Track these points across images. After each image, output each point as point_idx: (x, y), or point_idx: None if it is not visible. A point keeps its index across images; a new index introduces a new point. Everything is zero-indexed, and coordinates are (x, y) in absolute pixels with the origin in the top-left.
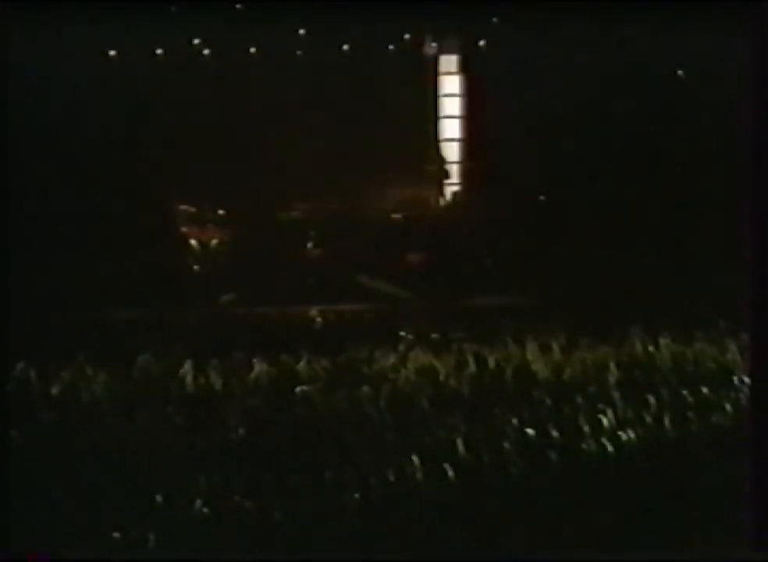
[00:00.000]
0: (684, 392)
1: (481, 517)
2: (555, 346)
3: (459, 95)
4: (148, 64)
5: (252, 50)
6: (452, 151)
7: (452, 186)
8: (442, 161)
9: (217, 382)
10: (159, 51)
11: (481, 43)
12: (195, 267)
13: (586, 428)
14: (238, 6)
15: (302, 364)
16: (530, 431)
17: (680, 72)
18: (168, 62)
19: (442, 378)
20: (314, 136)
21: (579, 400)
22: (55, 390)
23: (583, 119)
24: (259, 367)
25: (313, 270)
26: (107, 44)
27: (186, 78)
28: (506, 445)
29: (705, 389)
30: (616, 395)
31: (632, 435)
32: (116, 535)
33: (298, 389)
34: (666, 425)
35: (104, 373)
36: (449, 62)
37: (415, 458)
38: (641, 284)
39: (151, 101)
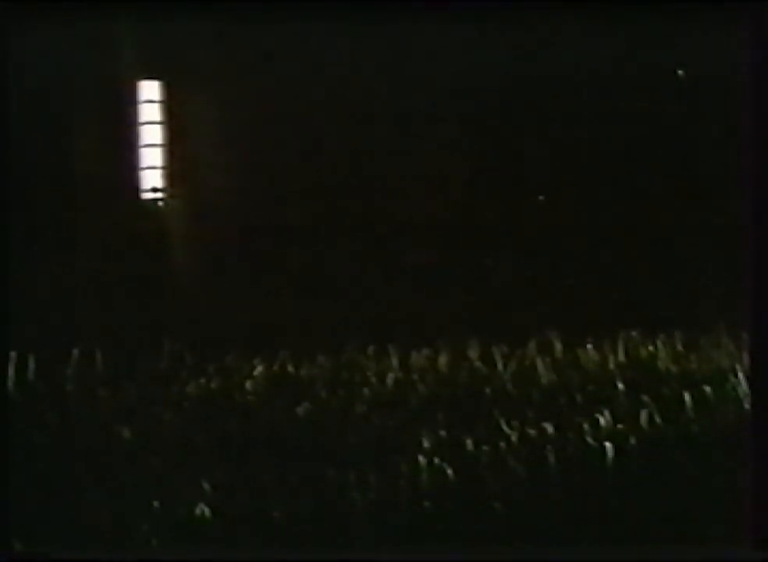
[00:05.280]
0: (684, 392)
1: (480, 516)
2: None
3: None
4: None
5: None
6: None
7: None
8: None
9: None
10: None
11: None
12: None
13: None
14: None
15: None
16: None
17: (680, 71)
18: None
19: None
20: None
21: (579, 398)
22: (55, 389)
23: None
24: (259, 368)
25: None
26: (106, 44)
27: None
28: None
29: (705, 389)
30: (616, 394)
31: (631, 434)
32: (117, 535)
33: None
34: (665, 424)
35: (104, 373)
36: None
37: (411, 456)
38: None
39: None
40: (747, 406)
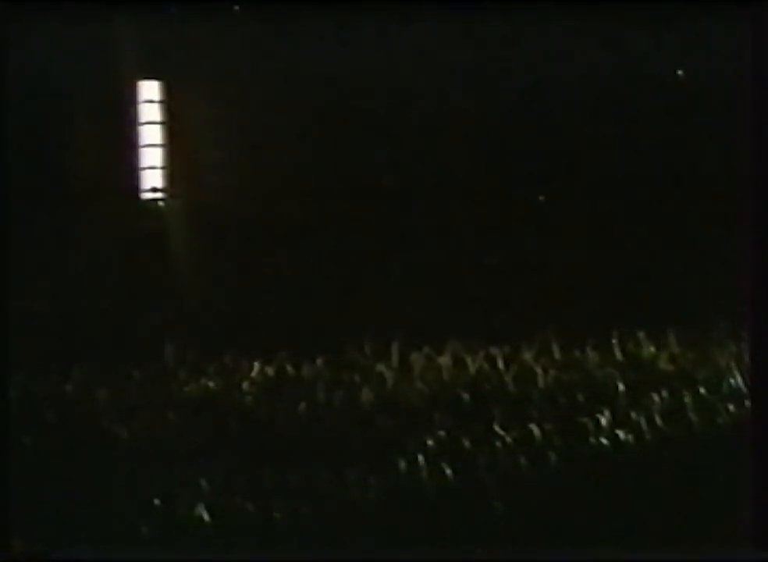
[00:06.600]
0: (684, 392)
1: (481, 516)
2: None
3: None
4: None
5: None
6: None
7: None
8: None
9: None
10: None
11: None
12: None
13: (589, 427)
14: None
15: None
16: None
17: (679, 72)
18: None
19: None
20: None
21: (579, 399)
22: (55, 389)
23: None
24: (258, 367)
25: None
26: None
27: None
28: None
29: (705, 389)
30: (617, 395)
31: (631, 434)
32: (116, 535)
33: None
34: (665, 424)
35: (104, 373)
36: None
37: (413, 457)
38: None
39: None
40: (747, 406)
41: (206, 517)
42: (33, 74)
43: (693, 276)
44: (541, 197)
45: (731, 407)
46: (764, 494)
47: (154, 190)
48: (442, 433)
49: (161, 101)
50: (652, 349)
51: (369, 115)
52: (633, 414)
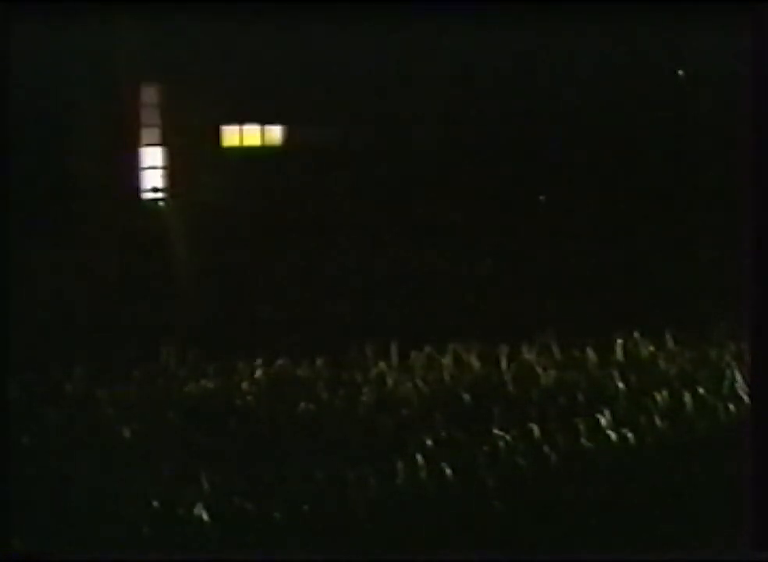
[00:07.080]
0: (684, 392)
1: (480, 517)
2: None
3: None
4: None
5: None
6: None
7: None
8: None
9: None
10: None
11: None
12: None
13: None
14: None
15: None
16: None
17: (680, 71)
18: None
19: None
20: None
21: (581, 398)
22: (55, 389)
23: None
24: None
25: None
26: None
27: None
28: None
29: (705, 389)
30: (617, 395)
31: (631, 434)
32: (117, 535)
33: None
34: (665, 425)
35: (104, 373)
36: None
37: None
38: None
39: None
40: (746, 406)
41: (206, 517)
42: (34, 75)
43: (693, 277)
44: (541, 198)
45: (731, 407)
46: (764, 494)
47: (155, 190)
48: (442, 433)
49: (161, 102)
50: (652, 349)
51: (368, 115)
52: (633, 414)
